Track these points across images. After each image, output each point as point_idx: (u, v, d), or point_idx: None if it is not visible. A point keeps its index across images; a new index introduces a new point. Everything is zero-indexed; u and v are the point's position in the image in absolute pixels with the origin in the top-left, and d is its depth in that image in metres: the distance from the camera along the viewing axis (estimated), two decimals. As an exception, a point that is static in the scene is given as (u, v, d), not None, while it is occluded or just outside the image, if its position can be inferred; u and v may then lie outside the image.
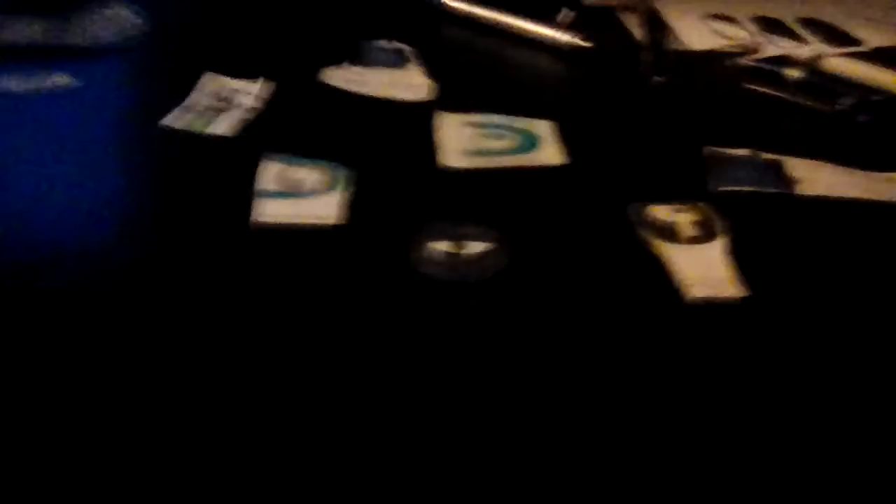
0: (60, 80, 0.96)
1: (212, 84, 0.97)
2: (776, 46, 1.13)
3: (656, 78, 1.02)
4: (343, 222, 0.78)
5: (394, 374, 0.72)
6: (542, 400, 0.73)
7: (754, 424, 0.68)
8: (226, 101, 0.94)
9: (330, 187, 0.81)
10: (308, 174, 0.83)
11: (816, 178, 0.90)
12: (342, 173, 0.83)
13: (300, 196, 0.80)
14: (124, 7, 1.06)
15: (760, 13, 1.21)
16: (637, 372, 0.72)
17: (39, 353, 0.66)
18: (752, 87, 1.06)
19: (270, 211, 0.78)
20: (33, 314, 0.69)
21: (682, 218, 0.82)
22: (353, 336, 0.70)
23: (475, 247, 0.75)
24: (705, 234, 0.80)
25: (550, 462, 0.63)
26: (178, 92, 0.96)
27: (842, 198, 0.88)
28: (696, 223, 0.81)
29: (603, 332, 0.72)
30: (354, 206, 0.80)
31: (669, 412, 0.72)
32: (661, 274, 0.76)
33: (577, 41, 1.09)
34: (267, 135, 0.90)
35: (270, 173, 0.83)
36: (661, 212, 0.82)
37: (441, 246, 0.75)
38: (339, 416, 0.70)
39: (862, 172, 0.92)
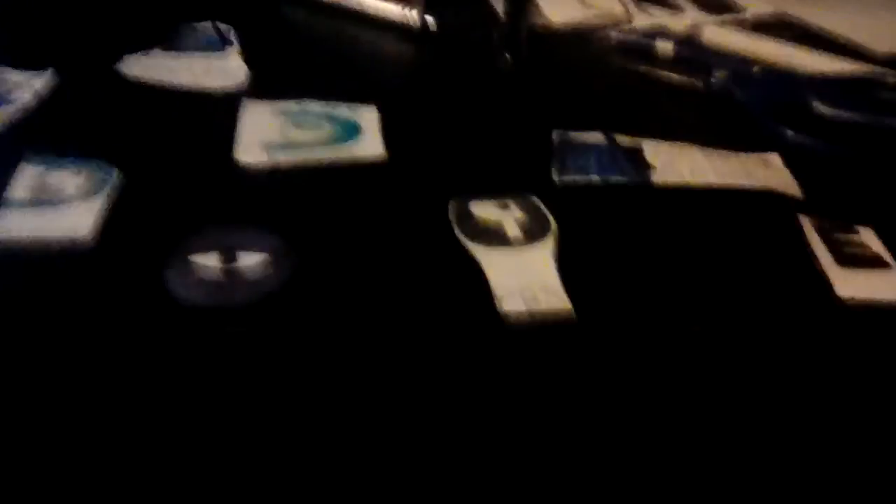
0: None
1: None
2: (649, 17, 1.02)
3: (507, 57, 0.90)
4: (95, 236, 0.65)
5: (146, 425, 0.59)
6: (327, 448, 0.61)
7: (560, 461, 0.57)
8: (2, 98, 0.81)
9: (93, 193, 0.69)
10: (69, 179, 0.70)
11: (678, 163, 0.79)
12: (111, 177, 0.70)
13: (54, 207, 0.67)
14: None
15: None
16: (451, 399, 0.60)
17: None
18: (620, 63, 0.94)
19: (12, 224, 0.65)
20: None
21: (509, 216, 0.70)
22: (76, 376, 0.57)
23: (248, 259, 0.63)
24: (532, 235, 0.68)
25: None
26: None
27: (706, 185, 0.77)
28: (523, 221, 0.69)
29: (403, 358, 0.60)
30: (118, 216, 0.67)
31: (477, 440, 0.60)
32: (478, 282, 0.64)
33: (420, 18, 0.96)
34: (36, 134, 0.76)
35: (25, 179, 0.70)
36: (486, 209, 0.70)
37: (205, 260, 0.63)
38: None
39: (734, 155, 0.81)
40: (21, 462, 0.53)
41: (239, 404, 0.59)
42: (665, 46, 0.95)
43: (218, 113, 0.82)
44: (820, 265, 0.68)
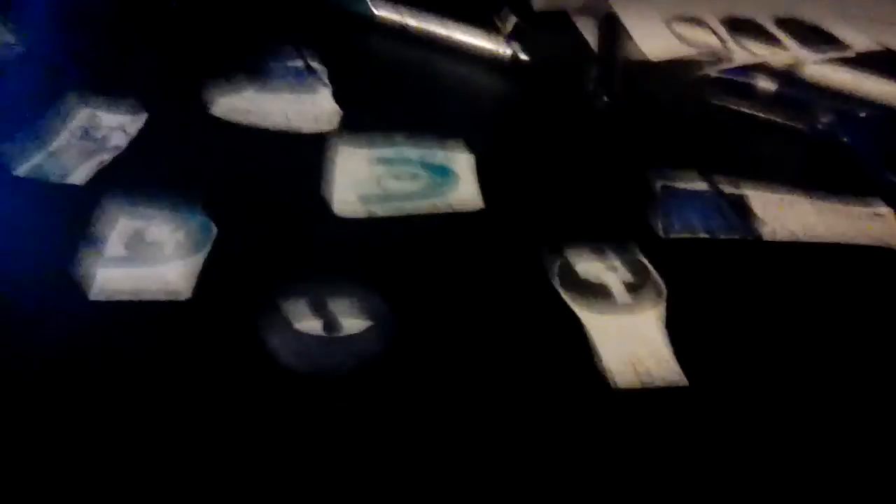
0: None
1: (85, 120, 0.83)
2: (749, 52, 0.98)
3: (604, 97, 0.87)
4: (192, 294, 0.64)
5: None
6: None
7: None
8: (97, 142, 0.80)
9: (193, 247, 0.68)
10: (167, 233, 0.69)
11: (787, 215, 0.76)
12: (208, 231, 0.69)
13: (152, 264, 0.66)
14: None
15: (732, 13, 1.05)
16: (556, 474, 0.58)
17: None
18: (718, 101, 0.91)
19: (112, 284, 0.64)
20: None
21: (615, 277, 0.67)
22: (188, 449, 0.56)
23: (350, 325, 0.61)
24: (640, 296, 0.65)
25: None
26: (49, 128, 0.82)
27: (816, 240, 0.73)
28: (631, 283, 0.67)
29: (511, 435, 0.58)
30: (215, 272, 0.66)
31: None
32: (584, 351, 0.62)
33: (515, 53, 0.94)
34: (128, 179, 0.75)
35: (122, 234, 0.69)
36: (591, 268, 0.68)
37: (305, 326, 0.61)
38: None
39: (844, 207, 0.77)
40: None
41: (340, 467, 0.58)
42: (766, 84, 0.92)
43: (310, 154, 0.80)
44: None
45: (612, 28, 1.01)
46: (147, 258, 0.67)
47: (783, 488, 0.56)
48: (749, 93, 0.92)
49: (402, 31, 1.01)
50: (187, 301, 0.64)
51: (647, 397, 0.59)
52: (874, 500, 0.56)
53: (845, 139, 0.86)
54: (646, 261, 0.69)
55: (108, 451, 0.58)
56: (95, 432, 0.58)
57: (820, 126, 0.87)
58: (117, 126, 0.82)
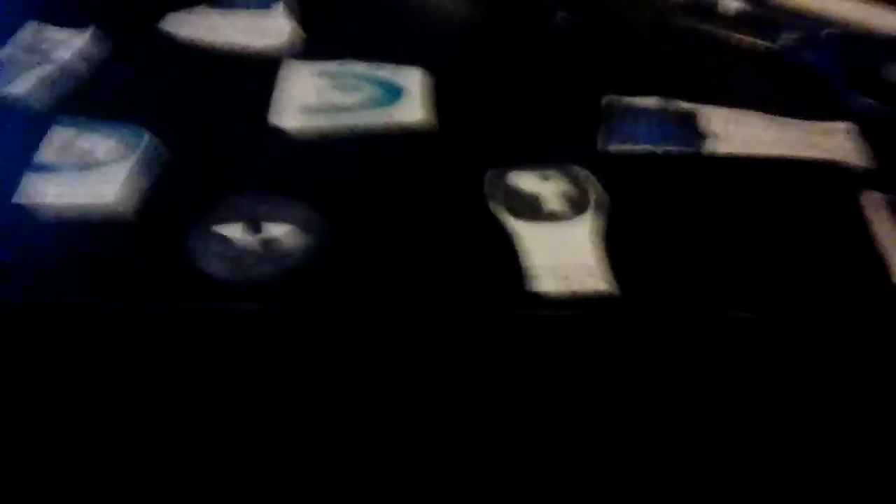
0: None
1: (31, 34, 0.82)
2: (714, -28, 0.96)
3: (562, 15, 0.86)
4: (123, 202, 0.64)
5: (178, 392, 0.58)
6: (363, 418, 0.60)
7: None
8: (41, 55, 0.79)
9: (123, 156, 0.67)
10: (101, 140, 0.68)
11: (736, 131, 0.75)
12: (144, 138, 0.69)
13: (84, 169, 0.66)
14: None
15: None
16: (474, 380, 0.58)
17: None
18: (681, 23, 0.89)
19: (42, 189, 0.64)
20: None
21: (550, 187, 0.66)
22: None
23: (280, 228, 0.61)
24: (574, 209, 0.65)
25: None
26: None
27: (763, 156, 0.72)
28: (564, 194, 0.66)
29: (433, 334, 0.58)
30: (147, 182, 0.66)
31: (505, 419, 0.58)
32: (510, 257, 0.61)
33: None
34: (69, 94, 0.75)
35: (55, 143, 0.69)
36: (526, 180, 0.67)
37: (233, 229, 0.61)
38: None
39: (796, 123, 0.76)
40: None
41: (262, 382, 0.58)
42: (729, 4, 0.90)
43: (258, 73, 0.79)
44: (881, 246, 0.63)
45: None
46: (76, 167, 0.66)
47: (699, 402, 0.56)
48: (712, 13, 0.91)
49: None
50: (115, 207, 0.63)
51: (575, 306, 0.58)
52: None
53: (807, 57, 0.84)
54: (584, 174, 0.68)
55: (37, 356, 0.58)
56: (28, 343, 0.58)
57: (782, 45, 0.86)
58: (63, 39, 0.81)
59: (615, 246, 0.62)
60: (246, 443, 0.60)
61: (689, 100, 0.78)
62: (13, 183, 0.65)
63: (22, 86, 0.76)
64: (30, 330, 0.58)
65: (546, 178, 0.67)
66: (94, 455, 0.61)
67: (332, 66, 0.79)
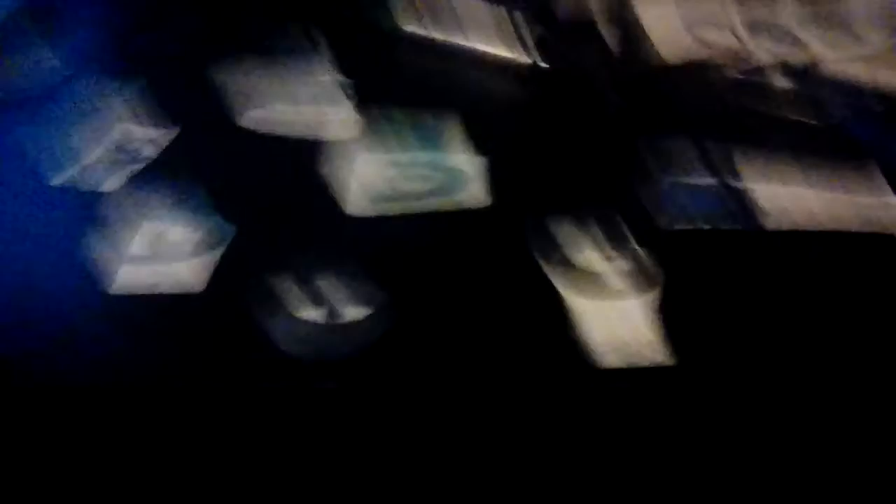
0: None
1: (120, 134, 0.88)
2: (766, 51, 0.99)
3: (616, 98, 0.89)
4: (211, 287, 0.68)
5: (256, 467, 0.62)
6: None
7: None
8: (130, 154, 0.85)
9: (210, 246, 0.72)
10: (191, 233, 0.73)
11: (794, 207, 0.77)
12: (226, 230, 0.73)
13: (170, 261, 0.70)
14: (43, 50, 0.98)
15: (754, 14, 1.06)
16: (544, 452, 0.61)
17: None
18: (735, 101, 0.92)
19: (131, 280, 0.69)
20: None
21: (611, 265, 0.69)
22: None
23: (351, 313, 0.64)
24: (634, 285, 0.67)
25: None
26: (89, 142, 0.87)
27: (818, 230, 0.74)
28: (625, 271, 0.68)
29: (503, 408, 0.61)
30: (229, 268, 0.70)
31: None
32: (576, 335, 0.64)
33: (535, 62, 0.97)
34: (157, 187, 0.80)
35: (149, 234, 0.73)
36: (587, 257, 0.70)
37: (315, 312, 0.64)
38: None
39: (850, 198, 0.78)
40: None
41: (338, 454, 0.61)
42: (782, 83, 0.93)
43: (330, 161, 0.84)
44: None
45: (631, 32, 1.03)
46: (166, 257, 0.71)
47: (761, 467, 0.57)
48: (765, 92, 0.93)
49: (425, 42, 1.04)
50: (200, 294, 0.68)
51: (633, 376, 0.61)
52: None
53: (860, 133, 0.86)
54: (641, 250, 0.71)
55: (126, 433, 0.62)
56: (115, 415, 0.62)
57: (834, 121, 0.88)
58: (149, 139, 0.87)
59: (673, 320, 0.64)
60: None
61: (743, 177, 0.80)
62: (108, 273, 0.69)
63: (111, 185, 0.81)
64: (117, 411, 0.62)
65: (607, 256, 0.69)
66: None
67: (399, 155, 0.83)
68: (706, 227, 0.74)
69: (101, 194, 0.80)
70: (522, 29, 1.02)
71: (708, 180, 0.80)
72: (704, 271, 0.70)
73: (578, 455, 0.59)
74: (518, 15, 1.03)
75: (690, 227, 0.74)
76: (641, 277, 0.68)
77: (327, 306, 0.65)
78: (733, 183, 0.79)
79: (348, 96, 0.94)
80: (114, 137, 0.87)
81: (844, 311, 0.66)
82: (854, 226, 0.75)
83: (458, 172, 0.81)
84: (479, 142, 0.85)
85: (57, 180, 0.81)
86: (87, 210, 0.78)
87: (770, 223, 0.75)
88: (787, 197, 0.78)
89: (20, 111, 0.93)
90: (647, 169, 0.81)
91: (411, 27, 1.04)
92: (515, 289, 0.68)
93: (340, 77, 0.97)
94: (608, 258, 0.70)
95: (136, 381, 0.61)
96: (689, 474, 0.58)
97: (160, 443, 0.62)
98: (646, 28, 1.03)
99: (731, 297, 0.67)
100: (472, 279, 0.69)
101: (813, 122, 0.89)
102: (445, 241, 0.74)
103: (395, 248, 0.73)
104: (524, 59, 0.98)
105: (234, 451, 0.62)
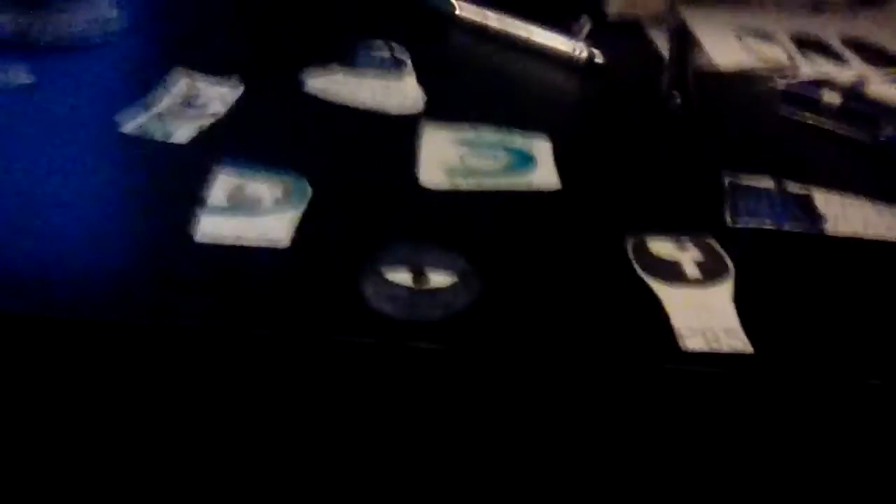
0: (19, 76, 0.87)
1: (186, 87, 0.88)
2: (815, 68, 1.02)
3: (676, 98, 0.91)
4: (295, 242, 0.69)
5: (338, 425, 0.62)
6: (514, 466, 0.63)
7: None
8: (197, 107, 0.85)
9: (290, 203, 0.72)
10: (265, 189, 0.74)
11: (850, 215, 0.79)
12: (307, 188, 0.74)
13: (252, 214, 0.71)
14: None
15: (801, 31, 1.10)
16: (624, 430, 0.62)
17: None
18: (785, 112, 0.95)
19: (215, 230, 0.69)
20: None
21: (687, 255, 0.71)
22: (289, 378, 0.61)
23: (442, 277, 0.66)
24: (711, 276, 0.69)
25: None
26: (153, 93, 0.87)
27: (878, 239, 0.77)
28: (701, 262, 0.70)
29: (586, 383, 0.62)
30: (310, 226, 0.71)
31: (658, 473, 0.62)
32: (658, 318, 0.65)
33: (591, 55, 0.99)
34: (227, 142, 0.80)
35: (223, 187, 0.74)
36: (663, 245, 0.72)
37: (401, 276, 0.65)
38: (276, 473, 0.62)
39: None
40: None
41: (423, 414, 0.62)
42: (832, 97, 0.95)
43: (397, 133, 0.85)
44: None
45: (683, 36, 1.05)
46: (247, 210, 0.71)
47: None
48: (814, 105, 0.96)
49: (482, 30, 1.06)
50: (286, 249, 0.68)
51: (714, 360, 0.62)
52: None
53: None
54: (715, 244, 0.72)
55: (208, 386, 0.63)
56: (195, 368, 0.63)
57: (882, 138, 0.91)
58: (217, 96, 0.87)
59: (746, 311, 0.66)
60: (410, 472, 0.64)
61: (795, 179, 0.82)
62: (189, 224, 0.70)
63: (182, 136, 0.81)
64: (205, 355, 0.62)
65: (683, 247, 0.71)
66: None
67: (468, 132, 0.85)
68: (769, 226, 0.76)
69: (173, 145, 0.80)
70: (575, 24, 1.03)
71: (766, 183, 0.82)
72: (771, 268, 0.72)
73: (657, 432, 0.60)
74: (571, 10, 1.05)
75: (754, 225, 0.76)
76: (716, 268, 0.69)
77: (414, 271, 0.65)
78: (790, 187, 0.82)
79: (410, 72, 0.95)
80: (181, 90, 0.88)
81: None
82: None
83: (527, 154, 0.82)
84: (540, 127, 0.86)
85: (127, 128, 0.82)
86: (160, 158, 0.79)
87: (829, 228, 0.77)
88: (845, 204, 0.80)
89: (81, 58, 0.93)
90: (708, 166, 0.84)
91: (467, 12, 1.06)
92: (594, 269, 0.69)
93: (401, 55, 0.98)
94: (681, 248, 0.71)
95: (223, 329, 0.61)
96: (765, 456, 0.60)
97: (245, 390, 0.63)
98: (696, 33, 1.05)
99: (798, 296, 0.69)
100: (548, 256, 0.70)
101: (859, 137, 0.92)
102: (522, 219, 0.75)
103: (473, 222, 0.74)
104: (580, 52, 1.00)
105: (317, 404, 0.62)
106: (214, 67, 0.91)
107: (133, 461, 0.66)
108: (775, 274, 0.72)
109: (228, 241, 0.68)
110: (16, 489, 0.67)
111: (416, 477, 0.65)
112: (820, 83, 0.99)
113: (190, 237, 0.69)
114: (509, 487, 0.65)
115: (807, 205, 0.80)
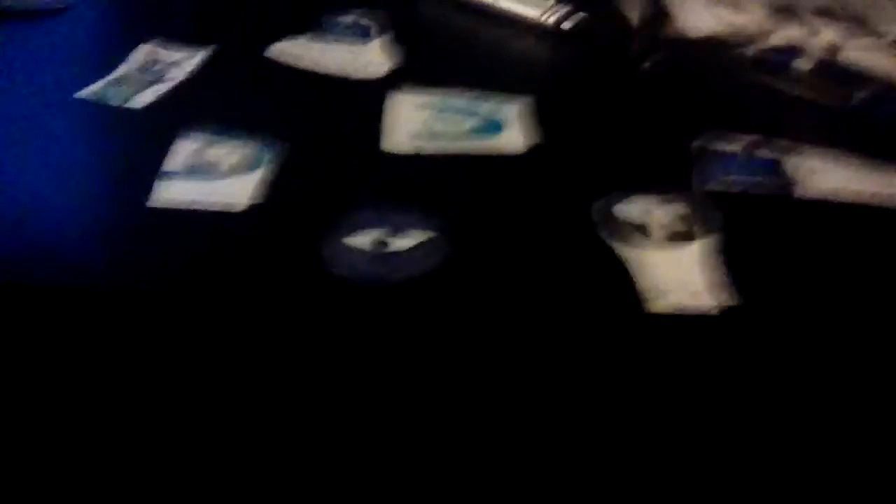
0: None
1: (145, 54, 0.86)
2: (785, 34, 1.01)
3: (646, 63, 0.90)
4: (253, 207, 0.67)
5: (295, 390, 0.61)
6: (480, 433, 0.62)
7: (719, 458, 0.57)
8: (155, 75, 0.83)
9: (249, 168, 0.71)
10: (227, 153, 0.72)
11: (820, 177, 0.78)
12: (267, 153, 0.72)
13: (209, 178, 0.69)
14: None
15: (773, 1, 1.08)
16: (592, 391, 0.61)
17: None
18: (755, 78, 0.94)
19: (170, 195, 0.67)
20: None
21: (657, 216, 0.70)
22: (239, 345, 0.59)
23: (404, 241, 0.64)
24: (682, 235, 0.68)
25: None
26: (112, 60, 0.85)
27: (849, 200, 0.76)
28: (672, 222, 0.69)
29: (552, 345, 0.61)
30: (272, 191, 0.69)
31: (626, 435, 0.61)
32: (624, 280, 0.64)
33: (559, 21, 0.97)
34: (189, 108, 0.79)
35: (183, 152, 0.72)
36: (633, 208, 0.71)
37: (362, 239, 0.64)
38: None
39: (876, 171, 0.80)
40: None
41: (387, 374, 0.61)
42: (802, 63, 0.94)
43: (362, 98, 0.83)
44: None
45: (654, 2, 1.04)
46: (204, 174, 0.70)
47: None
48: (785, 71, 0.95)
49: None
50: (243, 212, 0.67)
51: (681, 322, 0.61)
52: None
53: (880, 115, 0.88)
54: (682, 207, 0.71)
55: (166, 348, 0.61)
56: (153, 333, 0.61)
57: (855, 102, 0.90)
58: (177, 62, 0.85)
59: (713, 273, 0.65)
60: (377, 435, 0.62)
61: (769, 147, 0.81)
62: (143, 189, 0.68)
63: (139, 101, 0.79)
64: (169, 320, 0.61)
65: (649, 210, 0.70)
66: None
67: (434, 98, 0.83)
68: (737, 189, 0.75)
69: (129, 110, 0.78)
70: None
71: (734, 147, 0.81)
72: (739, 230, 0.71)
73: (627, 393, 0.60)
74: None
75: (722, 188, 0.75)
76: (685, 229, 0.69)
77: (373, 235, 0.64)
78: (764, 151, 0.81)
79: (374, 37, 0.94)
80: (138, 57, 0.86)
81: (866, 279, 0.67)
82: (877, 198, 0.76)
83: (493, 119, 0.81)
84: (509, 93, 0.85)
85: (83, 94, 0.80)
86: (116, 124, 0.77)
87: (797, 192, 0.76)
88: (816, 168, 0.79)
89: (41, 24, 0.91)
90: (675, 131, 0.83)
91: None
92: (560, 233, 0.68)
93: (365, 21, 0.97)
94: (652, 207, 0.70)
95: (177, 293, 0.60)
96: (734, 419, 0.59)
97: (202, 356, 0.61)
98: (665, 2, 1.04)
99: (766, 258, 0.68)
100: (515, 222, 0.69)
101: (830, 102, 0.91)
102: (486, 183, 0.74)
103: (436, 186, 0.73)
104: (547, 17, 0.99)
105: (279, 370, 0.61)
106: (178, 34, 0.90)
107: (89, 428, 0.64)
108: (743, 236, 0.71)
109: (184, 206, 0.67)
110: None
111: (379, 442, 0.64)
112: (791, 50, 0.97)
113: (144, 203, 0.67)
114: (473, 456, 0.64)
115: (775, 168, 0.79)
